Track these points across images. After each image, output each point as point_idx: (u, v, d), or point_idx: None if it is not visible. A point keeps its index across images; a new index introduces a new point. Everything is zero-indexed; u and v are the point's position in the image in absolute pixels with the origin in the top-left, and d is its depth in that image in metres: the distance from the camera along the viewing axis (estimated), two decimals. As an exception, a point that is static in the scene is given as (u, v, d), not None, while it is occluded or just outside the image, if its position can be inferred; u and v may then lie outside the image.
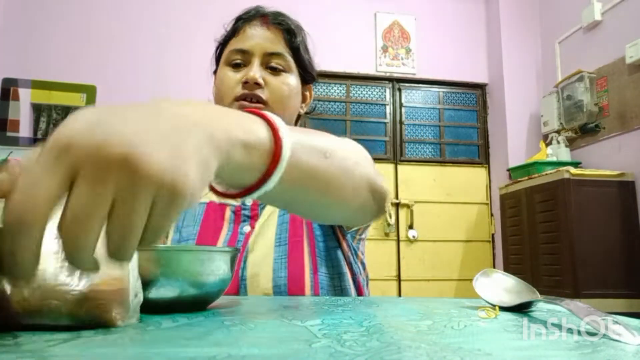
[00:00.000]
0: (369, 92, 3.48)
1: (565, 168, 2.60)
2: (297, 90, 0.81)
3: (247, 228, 0.77)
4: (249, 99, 0.75)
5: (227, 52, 0.80)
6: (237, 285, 0.71)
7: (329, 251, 0.75)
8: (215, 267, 0.45)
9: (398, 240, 3.23)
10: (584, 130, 2.97)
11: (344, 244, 0.78)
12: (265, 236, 0.75)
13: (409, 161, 3.39)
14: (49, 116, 2.95)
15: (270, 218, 0.77)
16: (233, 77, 0.77)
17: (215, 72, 0.86)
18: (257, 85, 0.75)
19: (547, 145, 3.12)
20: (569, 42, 3.20)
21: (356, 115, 3.42)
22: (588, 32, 3.02)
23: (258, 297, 0.68)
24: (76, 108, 2.98)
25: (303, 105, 0.86)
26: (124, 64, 3.05)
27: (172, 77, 3.08)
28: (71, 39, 3.02)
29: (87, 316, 0.34)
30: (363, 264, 0.80)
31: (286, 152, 0.38)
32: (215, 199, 0.81)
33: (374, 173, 0.53)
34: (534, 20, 3.53)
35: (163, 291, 0.42)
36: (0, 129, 2.88)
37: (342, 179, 0.47)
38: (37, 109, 2.94)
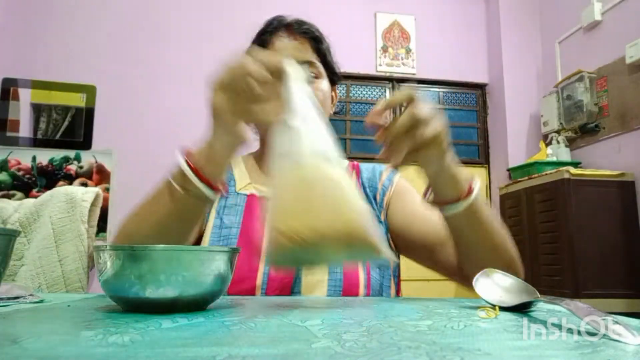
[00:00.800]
0: (369, 92, 3.48)
1: (565, 168, 2.60)
2: (329, 94, 0.85)
3: None
4: None
5: None
6: (293, 276, 0.73)
7: (380, 264, 0.79)
8: (215, 267, 0.45)
9: (398, 240, 3.23)
10: (584, 130, 2.98)
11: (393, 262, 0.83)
12: None
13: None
14: (49, 116, 2.95)
15: None
16: None
17: None
18: None
19: (547, 145, 3.12)
20: (569, 42, 3.20)
21: (356, 115, 3.42)
22: (588, 32, 3.02)
23: (257, 297, 0.68)
24: (76, 108, 2.98)
25: (331, 105, 0.89)
26: (124, 64, 3.05)
27: (172, 76, 3.08)
28: (71, 39, 3.02)
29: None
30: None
31: (476, 191, 0.63)
32: (256, 192, 0.83)
33: (516, 254, 0.71)
34: (534, 21, 3.53)
35: (163, 291, 0.42)
36: (0, 129, 2.88)
37: (498, 235, 0.67)
38: (37, 109, 2.94)
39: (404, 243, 0.81)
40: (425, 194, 0.67)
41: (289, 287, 0.72)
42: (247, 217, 0.79)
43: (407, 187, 0.87)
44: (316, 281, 0.72)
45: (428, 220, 0.79)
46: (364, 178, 0.87)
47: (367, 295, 0.73)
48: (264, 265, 0.73)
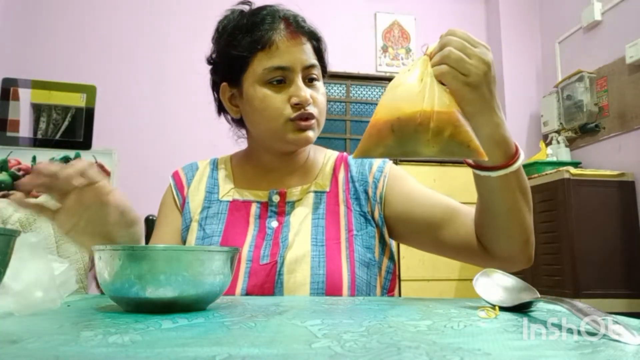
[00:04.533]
0: (369, 92, 3.48)
1: (565, 168, 2.60)
2: (326, 95, 0.83)
3: (274, 223, 0.78)
4: (302, 117, 0.76)
5: (262, 70, 0.76)
6: (274, 280, 0.72)
7: (368, 262, 0.77)
8: (215, 267, 0.45)
9: (398, 240, 3.23)
10: (584, 130, 2.97)
11: (385, 260, 0.81)
12: (300, 234, 0.76)
13: (409, 161, 3.39)
14: (49, 116, 2.95)
15: (304, 220, 0.78)
16: (279, 98, 0.76)
17: (231, 81, 0.81)
18: (309, 104, 0.76)
19: (547, 145, 3.12)
20: (569, 42, 3.20)
21: (356, 115, 3.42)
22: (588, 32, 3.02)
23: (257, 297, 0.68)
24: (76, 108, 2.98)
25: None
26: (124, 64, 3.05)
27: (172, 76, 3.08)
28: (71, 39, 3.02)
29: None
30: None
31: (520, 159, 0.62)
32: (239, 197, 0.82)
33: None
34: (534, 20, 3.53)
35: (163, 291, 0.42)
36: (0, 129, 2.88)
37: (527, 208, 0.66)
38: (37, 109, 2.94)
39: (407, 229, 0.79)
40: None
41: (270, 291, 0.71)
42: (230, 225, 0.78)
43: (401, 173, 0.85)
44: (298, 284, 0.70)
45: (429, 199, 0.77)
46: (353, 172, 0.84)
47: (352, 296, 0.71)
48: (245, 271, 0.72)
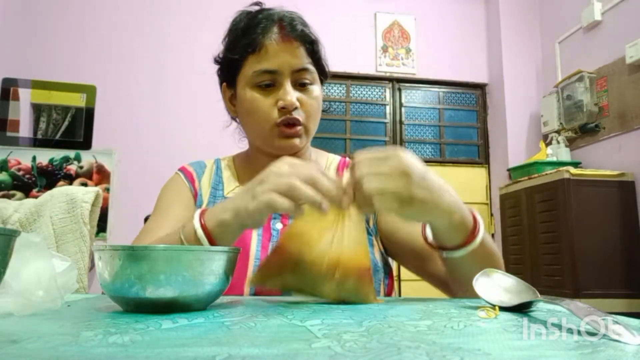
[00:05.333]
0: (369, 92, 3.48)
1: (565, 168, 2.60)
2: (321, 97, 0.82)
3: (279, 225, 0.78)
4: (288, 124, 0.76)
5: (252, 72, 0.76)
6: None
7: (372, 266, 0.76)
8: (215, 267, 0.45)
9: (398, 240, 3.22)
10: (584, 130, 2.98)
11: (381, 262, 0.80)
12: None
13: (409, 161, 3.39)
14: (49, 116, 2.95)
15: None
16: (266, 102, 0.76)
17: (225, 83, 0.82)
18: (295, 108, 0.76)
19: (547, 145, 3.12)
20: (569, 42, 3.20)
21: (356, 115, 3.42)
22: (588, 32, 3.02)
23: (258, 297, 0.68)
24: (76, 108, 2.98)
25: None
26: (124, 64, 3.05)
27: (172, 77, 3.08)
28: (71, 39, 3.02)
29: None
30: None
31: (480, 234, 0.60)
32: None
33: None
34: (534, 20, 3.53)
35: (163, 291, 0.42)
36: (0, 129, 2.88)
37: (494, 265, 0.62)
38: (37, 109, 2.94)
39: (393, 248, 0.80)
40: (423, 234, 0.65)
41: (278, 291, 0.70)
42: None
43: None
44: None
45: (416, 228, 0.76)
46: None
47: None
48: (253, 270, 0.72)
